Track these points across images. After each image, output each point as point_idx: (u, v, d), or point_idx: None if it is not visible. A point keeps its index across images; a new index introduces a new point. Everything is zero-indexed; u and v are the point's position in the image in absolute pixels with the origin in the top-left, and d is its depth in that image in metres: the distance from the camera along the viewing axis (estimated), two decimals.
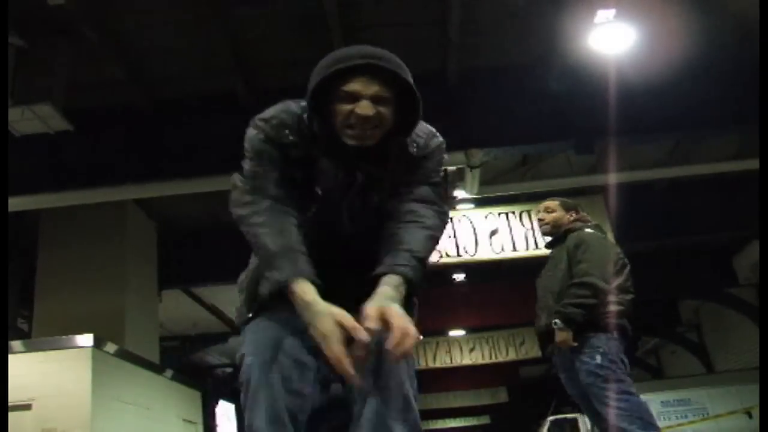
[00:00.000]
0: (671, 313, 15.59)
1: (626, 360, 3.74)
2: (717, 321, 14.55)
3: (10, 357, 6.24)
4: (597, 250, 3.83)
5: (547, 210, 4.19)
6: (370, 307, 1.64)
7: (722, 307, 13.30)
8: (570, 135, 6.90)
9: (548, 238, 4.29)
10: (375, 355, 1.69)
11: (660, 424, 4.16)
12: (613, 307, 3.75)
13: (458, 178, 7.88)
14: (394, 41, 6.40)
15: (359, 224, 1.86)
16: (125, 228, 8.55)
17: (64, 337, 7.07)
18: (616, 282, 3.82)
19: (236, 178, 1.87)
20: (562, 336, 3.69)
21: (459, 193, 8.13)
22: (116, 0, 5.69)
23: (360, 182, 1.82)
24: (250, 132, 1.85)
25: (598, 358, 3.62)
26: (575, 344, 3.69)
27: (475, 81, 6.82)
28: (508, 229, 8.47)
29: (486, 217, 8.55)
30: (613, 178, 7.70)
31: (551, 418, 15.44)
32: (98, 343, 7.03)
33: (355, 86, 1.70)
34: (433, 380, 17.33)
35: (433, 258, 8.50)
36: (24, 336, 8.81)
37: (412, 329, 1.62)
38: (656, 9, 5.91)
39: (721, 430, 12.07)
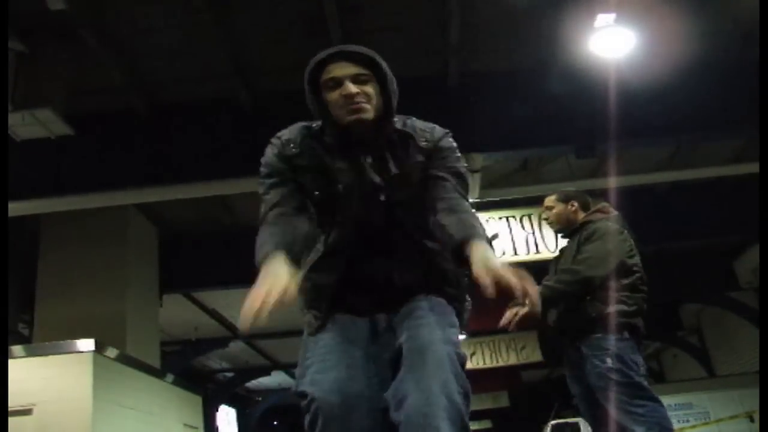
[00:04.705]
0: (672, 317, 15.56)
1: (640, 361, 3.55)
2: (718, 325, 14.52)
3: (11, 362, 6.23)
4: (601, 242, 3.68)
5: (548, 208, 4.09)
6: (484, 272, 1.77)
7: (723, 310, 13.27)
8: (571, 139, 6.89)
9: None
10: (417, 359, 1.81)
11: None
12: (620, 306, 3.58)
13: None
14: (395, 45, 6.42)
15: (379, 210, 2.02)
16: (126, 232, 8.55)
17: (64, 341, 7.06)
18: (627, 280, 3.65)
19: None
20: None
21: None
22: (117, 4, 5.70)
23: (368, 164, 2.01)
24: (266, 151, 2.11)
25: (609, 361, 3.44)
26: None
27: (476, 85, 6.82)
28: (509, 234, 8.46)
29: (487, 221, 8.54)
30: (613, 182, 7.68)
31: (553, 422, 15.38)
32: (99, 348, 7.02)
33: (333, 72, 1.95)
34: None
35: None
36: (25, 341, 8.80)
37: (523, 277, 1.75)
38: (656, 13, 5.91)
39: None
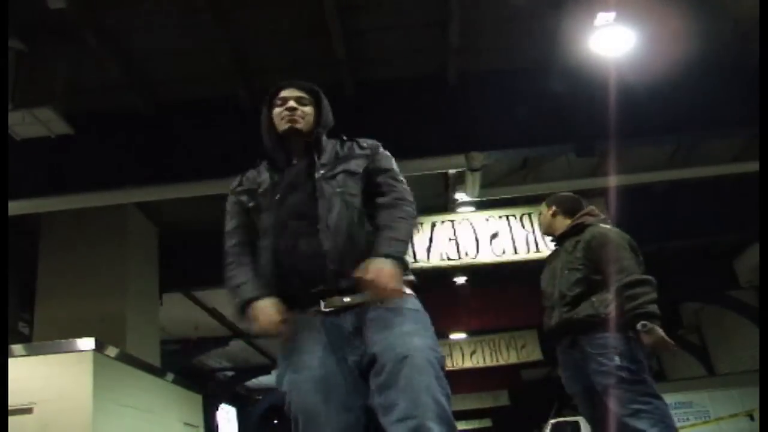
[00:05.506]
0: (672, 316, 15.58)
1: (645, 360, 3.58)
2: (718, 323, 14.54)
3: (11, 361, 6.23)
4: (626, 248, 3.68)
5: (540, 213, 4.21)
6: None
7: (723, 309, 13.29)
8: (570, 137, 6.89)
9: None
10: (400, 367, 2.02)
11: None
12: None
13: (459, 181, 7.88)
14: (395, 44, 6.43)
15: (310, 198, 2.34)
16: (126, 231, 8.55)
17: (65, 340, 7.04)
18: None
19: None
20: (657, 336, 3.48)
21: (460, 196, 8.12)
22: (117, 3, 5.70)
23: (303, 166, 2.44)
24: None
25: (617, 359, 3.47)
26: (673, 343, 3.55)
27: (476, 84, 6.82)
28: (509, 232, 8.46)
29: (487, 220, 8.55)
30: (613, 181, 7.69)
31: (553, 421, 15.41)
32: (99, 347, 7.02)
33: (284, 94, 2.55)
34: None
35: (435, 261, 8.52)
36: (25, 340, 8.80)
37: (385, 271, 2.11)
38: (656, 12, 5.92)
39: None
